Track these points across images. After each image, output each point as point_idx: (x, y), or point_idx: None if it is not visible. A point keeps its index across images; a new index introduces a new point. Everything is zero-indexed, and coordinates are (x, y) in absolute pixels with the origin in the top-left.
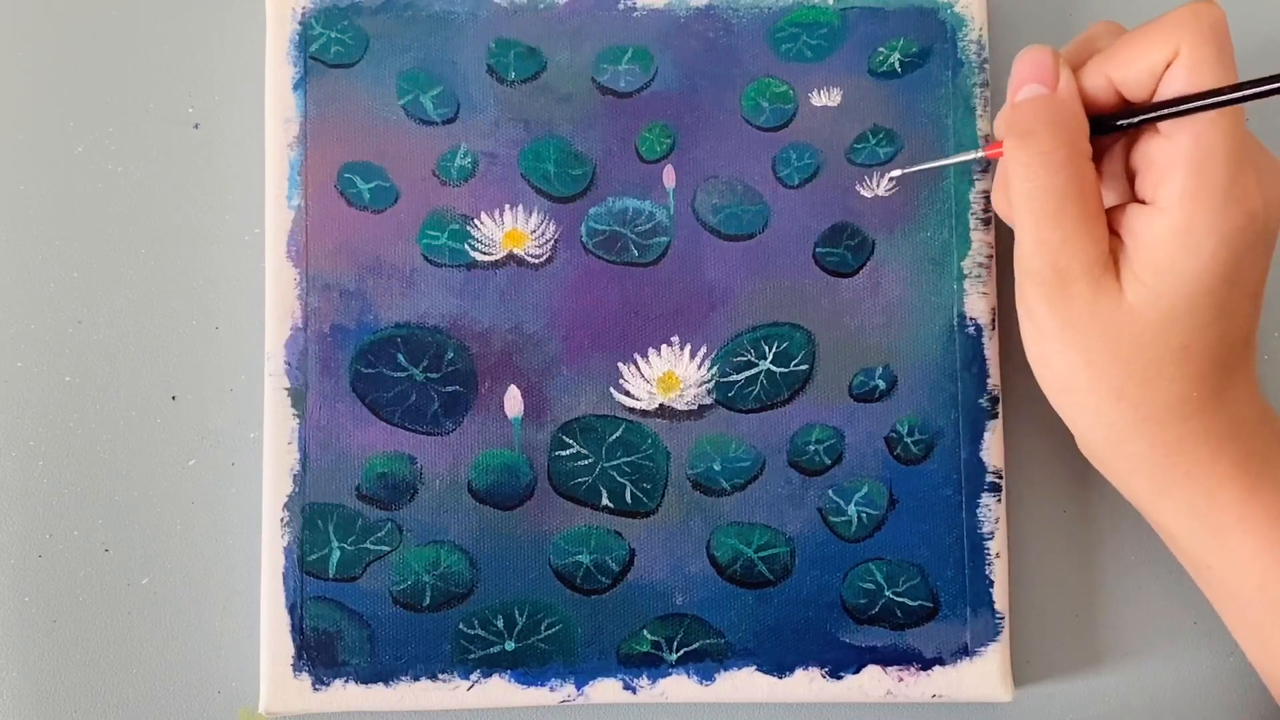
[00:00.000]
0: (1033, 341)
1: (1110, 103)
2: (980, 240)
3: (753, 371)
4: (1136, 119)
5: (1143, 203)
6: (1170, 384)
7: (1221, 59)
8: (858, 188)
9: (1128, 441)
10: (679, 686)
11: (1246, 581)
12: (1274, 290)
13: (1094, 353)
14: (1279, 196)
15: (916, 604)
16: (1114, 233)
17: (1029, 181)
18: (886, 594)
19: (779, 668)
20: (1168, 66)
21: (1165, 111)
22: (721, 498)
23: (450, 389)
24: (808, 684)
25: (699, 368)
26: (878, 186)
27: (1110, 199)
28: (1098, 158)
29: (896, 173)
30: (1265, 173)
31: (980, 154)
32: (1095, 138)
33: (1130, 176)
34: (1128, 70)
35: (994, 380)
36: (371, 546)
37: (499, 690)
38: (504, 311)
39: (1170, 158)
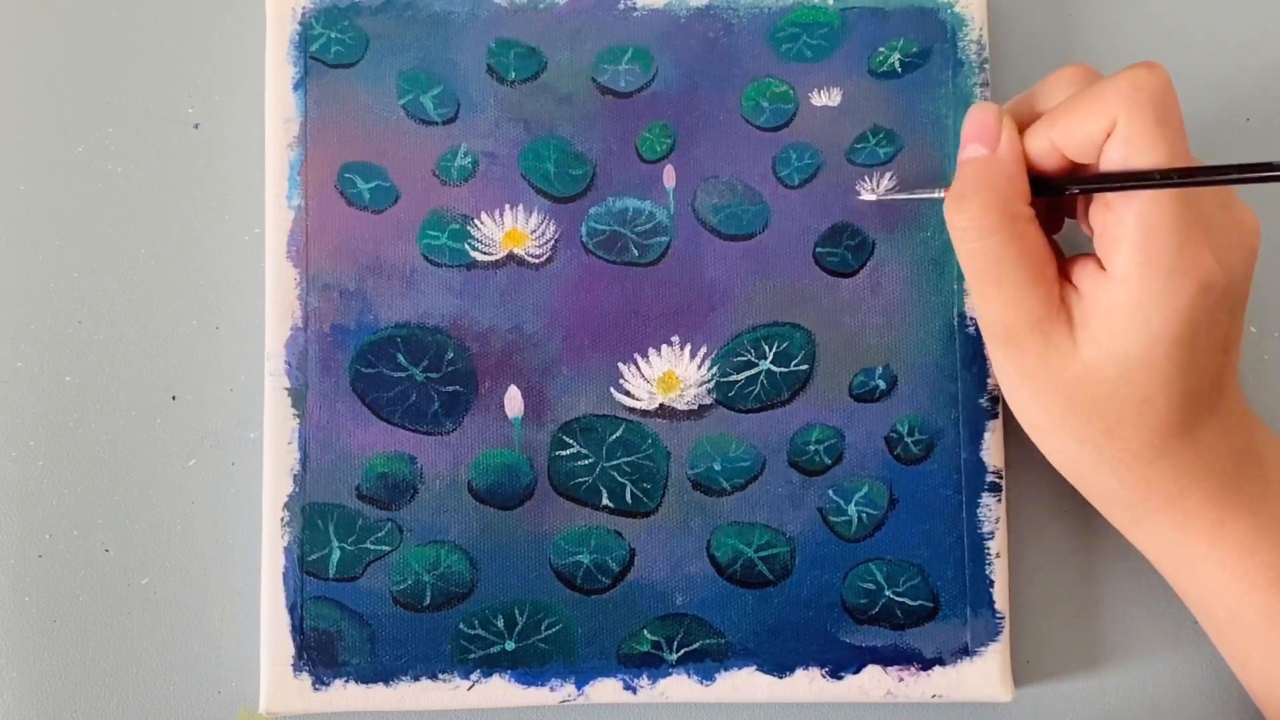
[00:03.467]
0: (1000, 383)
1: (1057, 164)
2: None
3: (753, 371)
4: (1076, 188)
5: (1099, 260)
6: (1133, 432)
7: (1162, 132)
8: (858, 188)
9: (1095, 480)
10: (679, 686)
11: (1219, 607)
12: (1276, 290)
13: (1052, 403)
14: (1241, 258)
15: (916, 604)
16: (1072, 284)
17: (965, 244)
18: (886, 594)
19: (779, 668)
20: (1108, 136)
21: (1100, 186)
22: (721, 498)
23: (450, 389)
24: (808, 684)
25: (699, 368)
26: (877, 186)
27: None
28: (1065, 204)
29: (867, 197)
30: (1225, 234)
31: (941, 196)
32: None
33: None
34: (1068, 138)
35: (994, 380)
36: (371, 546)
37: (499, 690)
38: (504, 311)
39: (1116, 230)
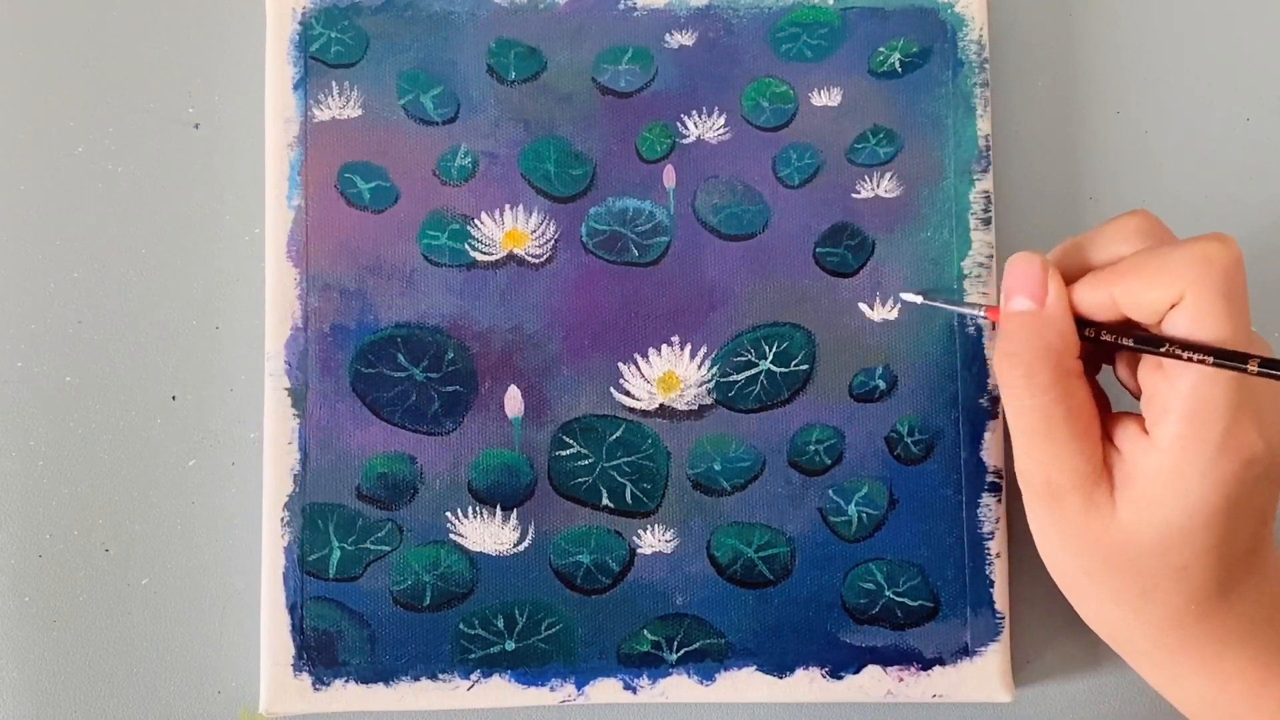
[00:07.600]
0: (1037, 539)
1: (1112, 317)
2: (980, 240)
3: (753, 371)
4: (1131, 346)
5: (1142, 420)
6: (1169, 597)
7: (1229, 310)
8: (858, 188)
9: (1131, 640)
10: (679, 686)
11: None
12: (1277, 290)
13: (1091, 562)
14: None
15: (917, 604)
16: (1114, 444)
17: (1016, 400)
18: (887, 594)
19: (779, 668)
20: (1173, 306)
21: (1161, 349)
22: (721, 498)
23: (450, 389)
24: (808, 684)
25: (699, 368)
26: (878, 187)
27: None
28: (1105, 351)
29: (909, 297)
30: (1270, 406)
31: (981, 314)
32: (1095, 344)
33: (1136, 386)
34: (1130, 299)
35: (994, 381)
36: (372, 546)
37: (499, 690)
38: (504, 311)
39: (1167, 399)
